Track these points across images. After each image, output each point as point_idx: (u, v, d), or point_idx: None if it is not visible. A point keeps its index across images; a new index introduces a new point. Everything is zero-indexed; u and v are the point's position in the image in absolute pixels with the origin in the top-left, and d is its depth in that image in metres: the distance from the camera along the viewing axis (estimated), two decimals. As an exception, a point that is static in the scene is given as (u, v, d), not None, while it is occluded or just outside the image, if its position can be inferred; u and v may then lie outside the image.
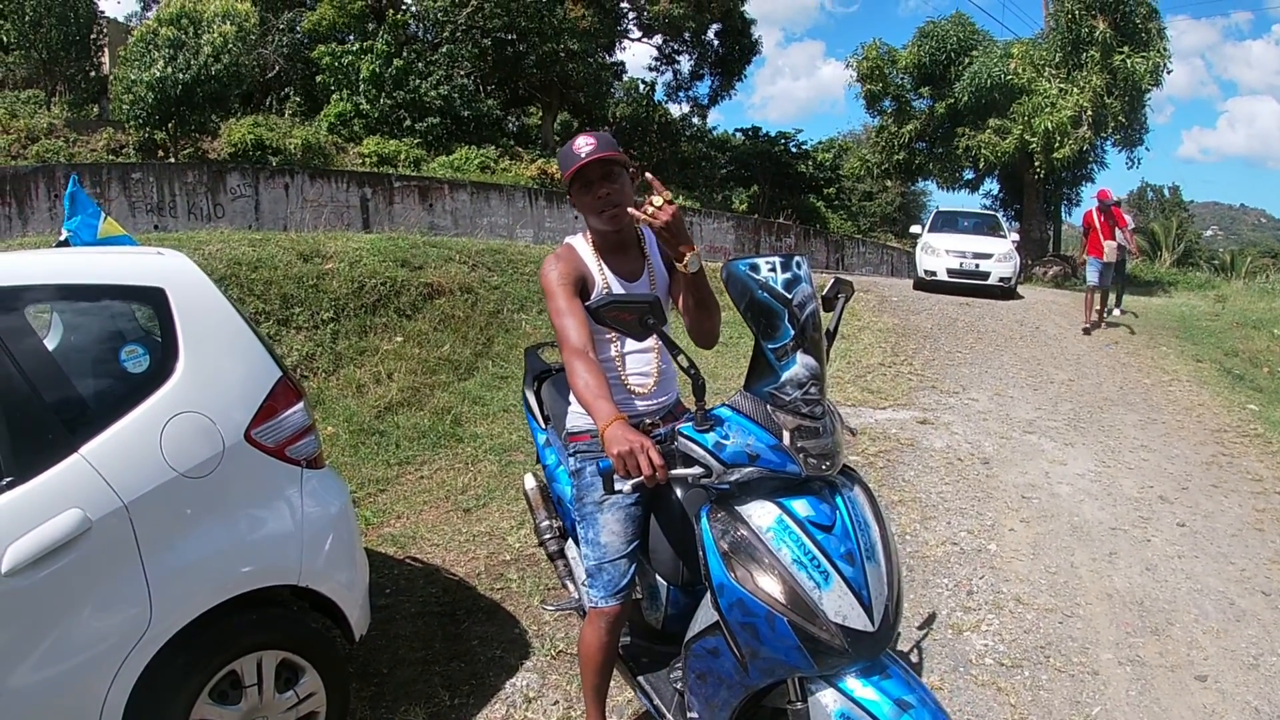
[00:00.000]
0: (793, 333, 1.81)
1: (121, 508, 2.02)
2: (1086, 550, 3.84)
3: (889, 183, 26.24)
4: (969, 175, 22.07)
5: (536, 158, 14.65)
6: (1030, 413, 6.11)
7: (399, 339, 7.11)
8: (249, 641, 2.28)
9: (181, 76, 9.81)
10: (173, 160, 10.47)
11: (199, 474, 2.18)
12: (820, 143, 28.07)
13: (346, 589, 2.53)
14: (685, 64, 23.14)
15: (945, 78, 19.98)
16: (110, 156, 10.63)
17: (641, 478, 1.72)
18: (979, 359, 8.05)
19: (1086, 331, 9.56)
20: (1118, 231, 9.58)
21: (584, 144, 2.15)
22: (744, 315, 1.84)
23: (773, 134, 25.33)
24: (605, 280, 2.26)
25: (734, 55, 22.42)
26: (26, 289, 2.14)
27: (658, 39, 22.20)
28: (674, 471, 1.81)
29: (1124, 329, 9.88)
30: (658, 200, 1.96)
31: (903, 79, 21.00)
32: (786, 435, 1.79)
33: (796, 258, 1.91)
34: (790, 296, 1.83)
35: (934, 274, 12.95)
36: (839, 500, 1.84)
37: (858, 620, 1.70)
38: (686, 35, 21.69)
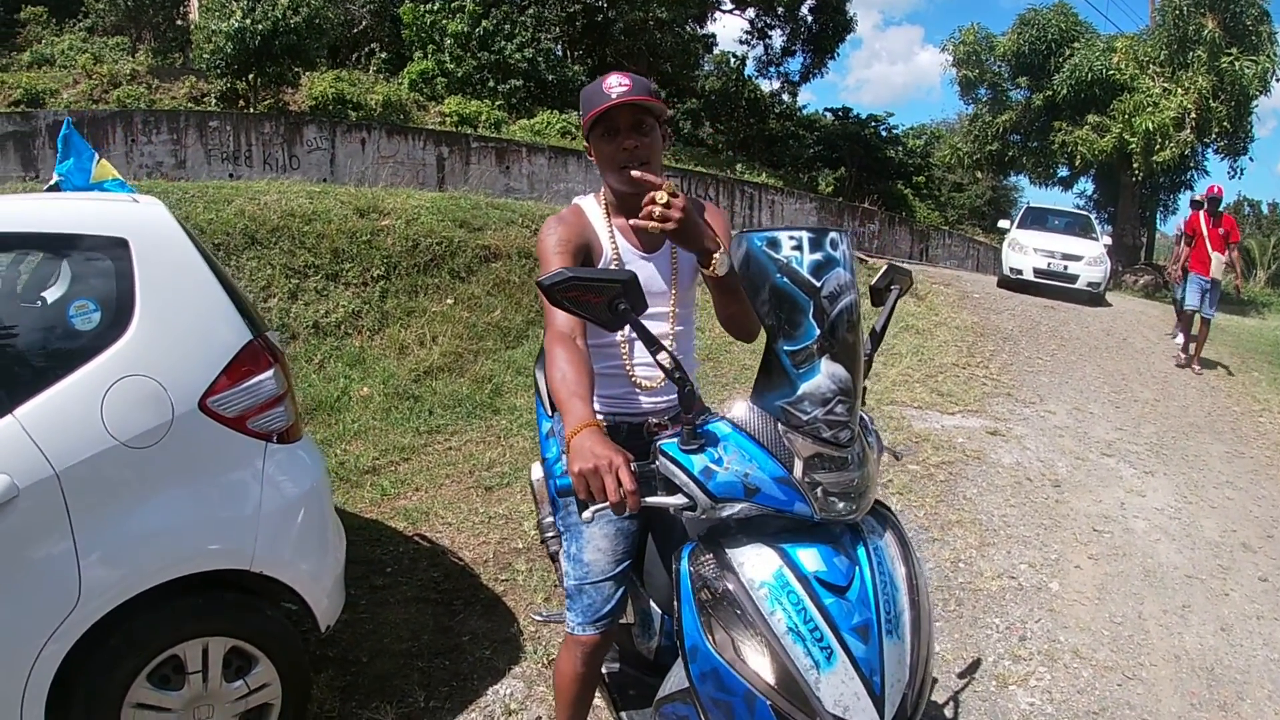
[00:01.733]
0: (818, 332, 1.40)
1: (53, 476, 1.84)
2: (1158, 600, 3.36)
3: (979, 174, 25.12)
4: (1063, 173, 20.95)
5: None
6: (1110, 433, 5.55)
7: (449, 301, 6.96)
8: (193, 627, 2.09)
9: (259, 28, 9.88)
10: (250, 110, 10.59)
11: (143, 444, 1.97)
12: (912, 128, 26.87)
13: (311, 577, 2.31)
14: (777, 39, 22.40)
15: (1044, 69, 18.84)
16: (190, 104, 10.83)
17: (606, 505, 1.34)
18: (1060, 368, 7.42)
19: (1181, 365, 7.95)
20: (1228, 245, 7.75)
21: (616, 83, 1.78)
22: (756, 307, 1.44)
23: (863, 116, 24.40)
24: (615, 250, 1.90)
25: (827, 32, 21.51)
26: None
27: (750, 12, 21.45)
28: (649, 500, 1.42)
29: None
30: (661, 196, 1.55)
31: (1000, 67, 19.98)
32: (799, 465, 1.39)
33: (833, 233, 1.47)
34: (819, 285, 1.41)
35: (1020, 272, 12.26)
36: (860, 552, 1.45)
37: (863, 714, 1.33)
38: (779, 9, 20.90)
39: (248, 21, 9.92)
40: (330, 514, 2.53)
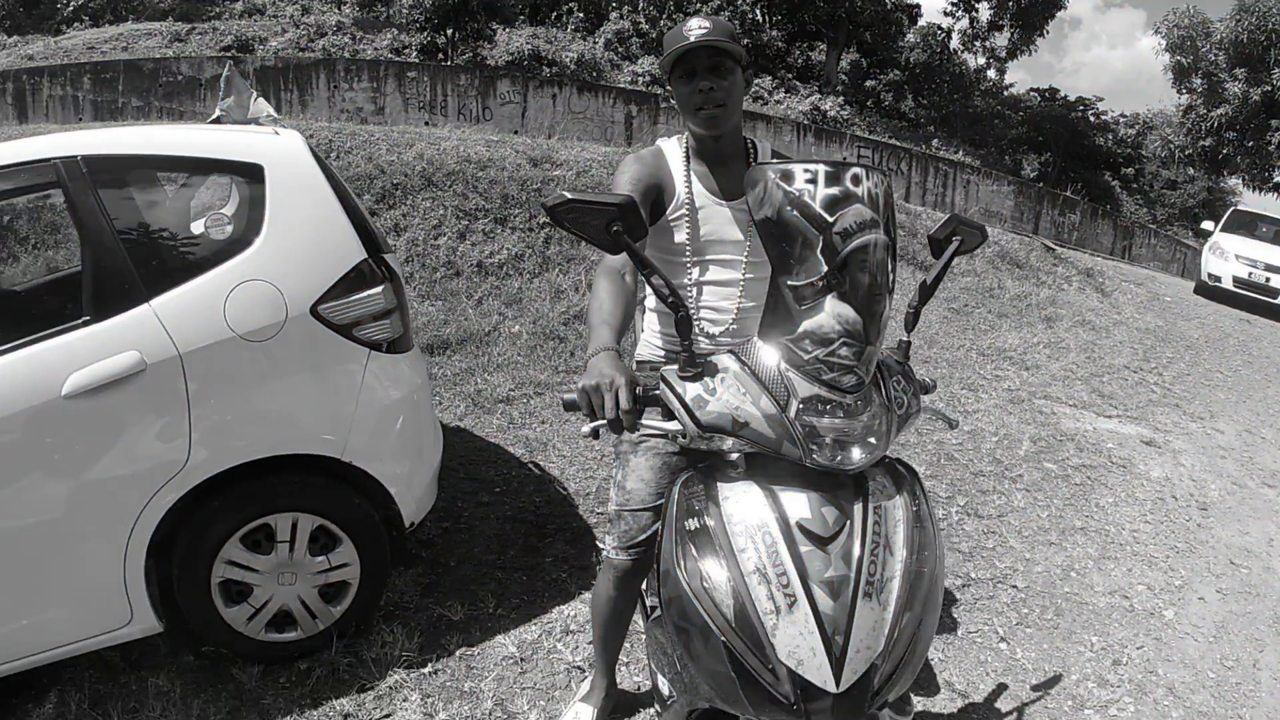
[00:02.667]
0: (824, 268, 1.33)
1: (176, 357, 2.16)
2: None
3: (1192, 171, 21.99)
4: (1280, 178, 17.99)
5: (812, 93, 13.88)
6: (1278, 463, 4.74)
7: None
8: (285, 502, 2.39)
9: None
10: (447, 63, 11.31)
11: (257, 339, 2.26)
12: (1123, 116, 23.96)
13: (398, 474, 2.55)
14: (984, 12, 20.60)
15: (1264, 61, 16.31)
16: (390, 55, 11.72)
17: (603, 421, 1.37)
18: (1240, 385, 6.46)
19: None
20: None
21: (696, 26, 1.79)
22: (764, 240, 1.40)
23: (1070, 98, 22.00)
24: (690, 193, 1.90)
25: (1036, 7, 19.50)
26: (134, 158, 2.32)
27: None
28: (648, 423, 1.43)
29: None
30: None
31: (1216, 55, 17.46)
32: (794, 406, 1.34)
33: (855, 168, 1.40)
34: (831, 220, 1.35)
35: (1218, 279, 10.93)
36: (858, 508, 1.36)
37: (816, 672, 1.25)
38: None
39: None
40: (426, 422, 2.75)
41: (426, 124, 10.68)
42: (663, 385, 1.41)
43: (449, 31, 11.17)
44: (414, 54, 11.44)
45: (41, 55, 12.51)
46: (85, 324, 2.12)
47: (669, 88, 1.92)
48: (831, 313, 1.34)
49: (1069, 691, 2.59)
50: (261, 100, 2.98)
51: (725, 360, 1.42)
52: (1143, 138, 22.57)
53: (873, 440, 1.37)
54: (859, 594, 1.28)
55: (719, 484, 1.41)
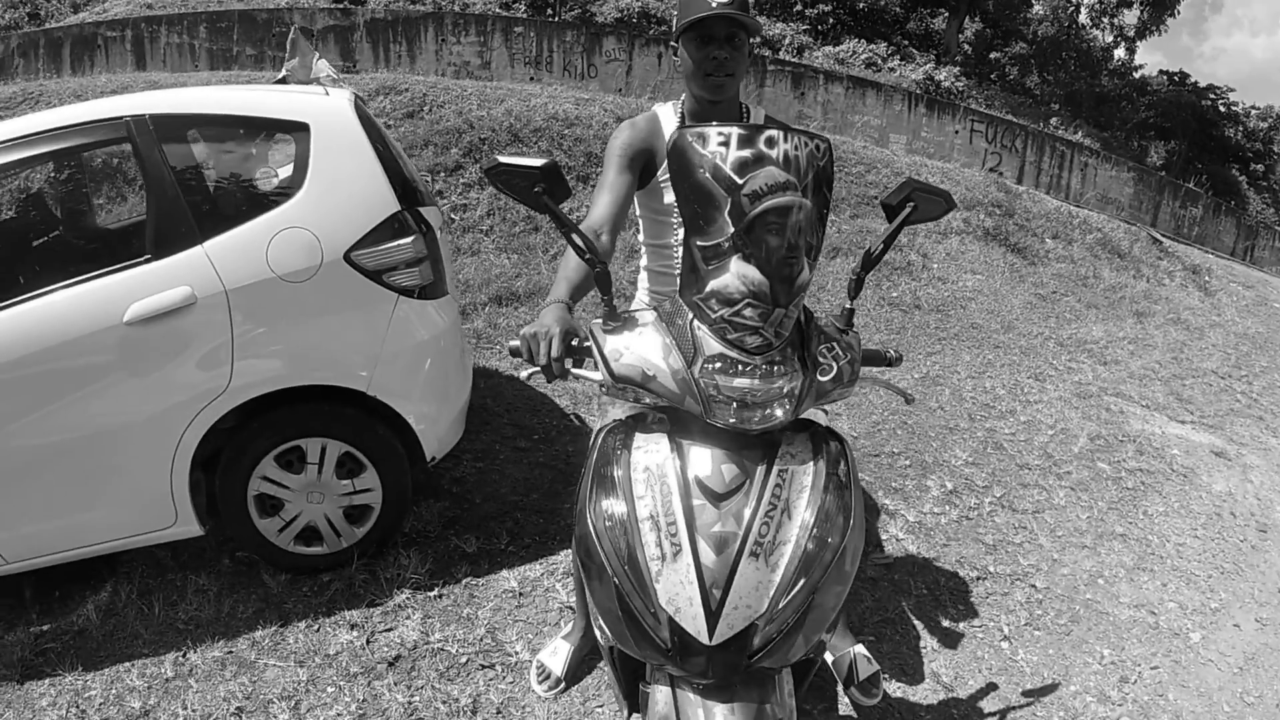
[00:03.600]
0: (731, 230, 1.36)
1: (222, 292, 2.40)
2: (1328, 695, 2.68)
3: None
4: None
5: (928, 62, 13.18)
6: None
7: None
8: (316, 427, 2.62)
9: None
10: (553, 20, 11.36)
11: (295, 279, 2.48)
12: (1255, 109, 21.31)
13: (421, 411, 2.72)
14: None
15: None
16: (499, 10, 11.84)
17: (538, 369, 1.47)
18: None
19: None
20: None
21: None
22: (679, 202, 1.41)
23: (1201, 84, 19.84)
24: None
25: None
26: (194, 116, 2.57)
27: None
28: (575, 370, 1.50)
29: None
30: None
31: None
32: (700, 363, 1.38)
33: (771, 130, 1.40)
34: (740, 182, 1.36)
35: None
36: (761, 470, 1.39)
37: (691, 621, 1.29)
38: None
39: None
40: (453, 365, 2.92)
41: (531, 79, 10.81)
42: (591, 337, 1.47)
43: (559, -14, 11.32)
44: (523, 9, 11.56)
45: (160, 4, 13.29)
46: (147, 261, 2.39)
47: (674, 45, 1.94)
48: (736, 274, 1.37)
49: (1063, 702, 2.53)
50: (323, 62, 3.19)
51: (646, 315, 1.47)
52: (1276, 132, 20.25)
53: (779, 404, 1.39)
54: (744, 552, 1.31)
55: (637, 434, 1.46)
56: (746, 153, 1.37)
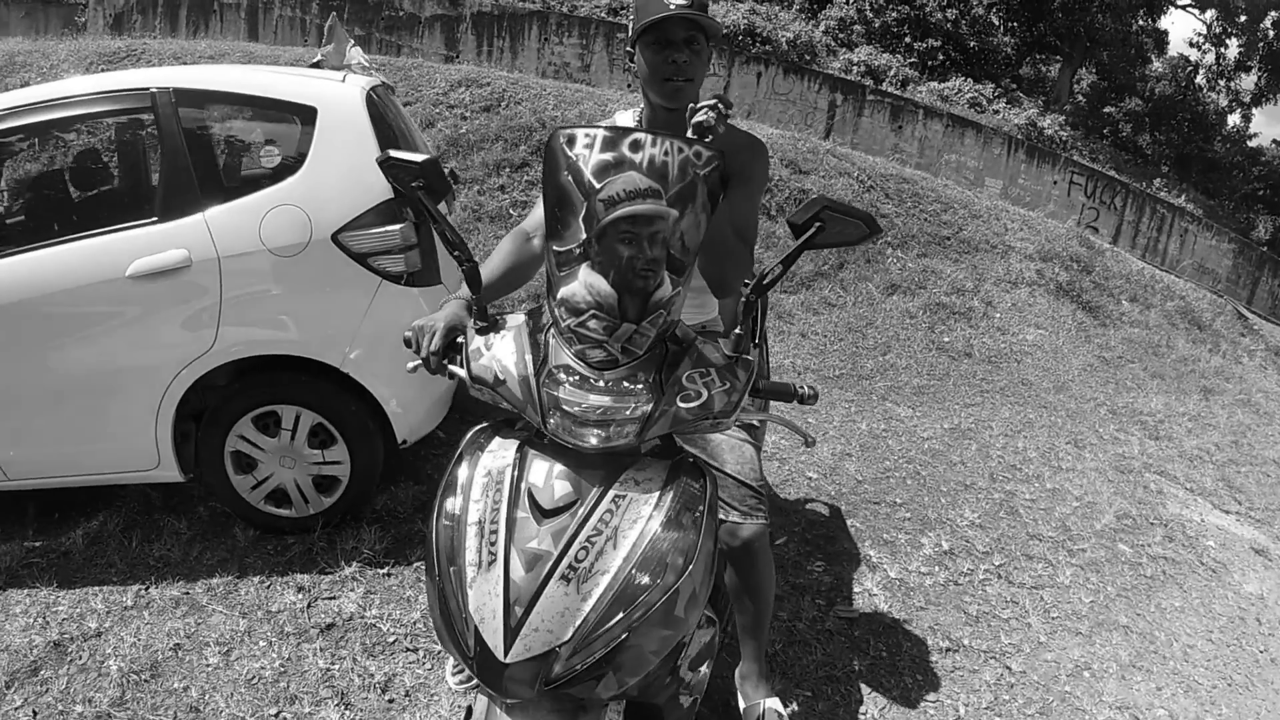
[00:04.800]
0: (583, 236, 1.32)
1: (215, 258, 2.58)
2: None
3: None
4: None
5: (1033, 108, 12.54)
6: None
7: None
8: (291, 395, 2.76)
9: None
10: None
11: (284, 254, 2.62)
12: None
13: (393, 393, 2.81)
14: (1233, 48, 17.23)
15: None
16: (608, 15, 11.93)
17: (419, 361, 1.49)
18: None
19: None
20: None
21: None
22: (544, 203, 1.40)
23: None
24: None
25: None
26: (212, 93, 2.76)
27: (1209, 13, 16.79)
28: (450, 366, 1.48)
29: None
30: (728, 99, 1.54)
31: None
32: (545, 371, 1.35)
33: (638, 134, 1.34)
34: (598, 186, 1.32)
35: None
36: (596, 492, 1.32)
37: (491, 634, 1.24)
38: (1241, 17, 16.03)
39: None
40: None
41: (629, 87, 10.91)
42: (465, 334, 1.47)
43: (668, 0, 11.35)
44: (629, 16, 11.63)
45: None
46: (153, 223, 2.59)
47: (631, 50, 1.88)
48: (584, 283, 1.33)
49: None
50: (357, 49, 3.36)
51: (515, 318, 1.46)
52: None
53: (618, 424, 1.31)
54: (554, 574, 1.25)
55: (495, 437, 1.42)
56: (608, 156, 1.33)
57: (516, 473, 1.35)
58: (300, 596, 2.67)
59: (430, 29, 11.45)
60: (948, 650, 2.82)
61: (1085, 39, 14.50)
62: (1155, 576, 3.38)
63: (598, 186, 1.32)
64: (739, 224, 1.81)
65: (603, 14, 11.58)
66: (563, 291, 1.36)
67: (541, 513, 1.30)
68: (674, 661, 1.35)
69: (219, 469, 2.83)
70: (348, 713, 2.22)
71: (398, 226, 2.73)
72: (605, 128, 1.38)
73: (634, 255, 1.31)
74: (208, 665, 2.34)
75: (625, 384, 1.33)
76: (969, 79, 12.55)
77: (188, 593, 2.65)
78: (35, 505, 3.01)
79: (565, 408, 1.32)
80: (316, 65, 3.39)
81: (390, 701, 2.29)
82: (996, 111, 11.75)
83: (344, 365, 2.74)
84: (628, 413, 1.31)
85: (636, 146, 1.34)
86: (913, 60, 12.72)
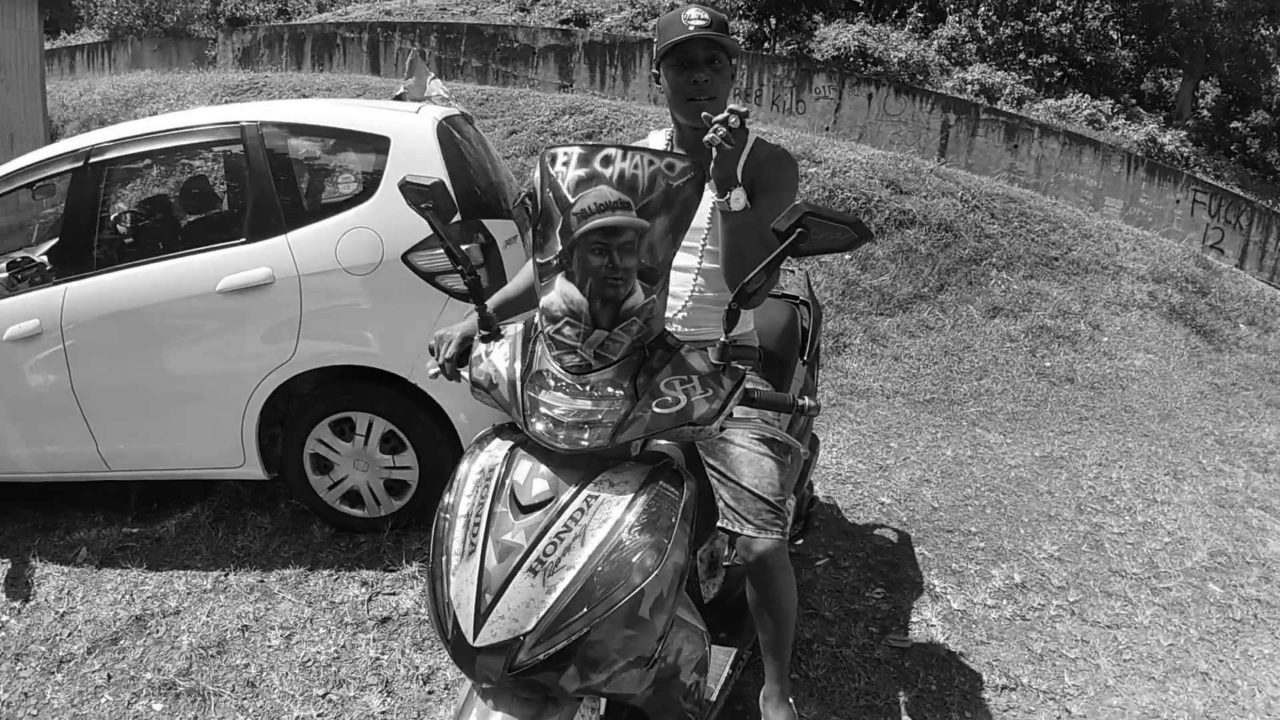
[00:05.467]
0: (559, 248, 1.40)
1: (296, 276, 2.83)
2: None
3: None
4: None
5: (1153, 123, 11.63)
6: None
7: (848, 256, 6.98)
8: (365, 403, 2.97)
9: None
10: (768, 53, 11.39)
11: (358, 273, 2.83)
12: None
13: (462, 406, 2.94)
14: None
15: None
16: None
17: (437, 368, 1.62)
18: None
19: None
20: None
21: (695, 16, 1.79)
22: (530, 220, 1.49)
23: None
24: None
25: None
26: (295, 125, 3.02)
27: None
28: (463, 371, 1.57)
29: None
30: (734, 120, 1.55)
31: None
32: (530, 375, 1.44)
33: (609, 149, 1.41)
34: (572, 201, 1.39)
35: None
36: (570, 491, 1.38)
37: (465, 620, 1.32)
38: None
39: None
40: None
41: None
42: (474, 343, 1.58)
43: (772, 21, 11.35)
44: (743, 41, 11.73)
45: (398, 11, 14.50)
46: (242, 243, 2.87)
47: (655, 72, 1.93)
48: (559, 292, 1.41)
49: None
50: (436, 82, 3.60)
51: (513, 326, 1.55)
52: None
53: (591, 427, 1.36)
54: (522, 566, 1.32)
55: (495, 438, 1.51)
56: (582, 171, 1.41)
57: (503, 470, 1.43)
58: (363, 590, 2.85)
59: (544, 59, 11.85)
60: (1003, 688, 2.67)
61: (1205, 50, 13.39)
62: (1245, 620, 3.07)
63: (572, 201, 1.39)
64: (766, 235, 1.84)
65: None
66: (543, 300, 1.44)
67: (520, 508, 1.37)
68: (647, 666, 1.37)
69: (298, 470, 3.07)
70: (389, 700, 2.36)
71: (464, 248, 2.91)
72: (582, 145, 1.45)
73: (604, 265, 1.37)
74: (269, 646, 2.55)
75: (600, 389, 1.39)
76: (1086, 95, 11.84)
77: (262, 580, 2.89)
78: (137, 494, 3.37)
79: (544, 410, 1.39)
80: (399, 98, 3.66)
81: (430, 693, 2.41)
82: (1115, 128, 11.02)
83: (412, 376, 2.92)
84: (600, 416, 1.37)
85: (608, 161, 1.41)
86: (1028, 78, 12.13)
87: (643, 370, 1.42)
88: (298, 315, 2.85)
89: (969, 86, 11.26)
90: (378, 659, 2.54)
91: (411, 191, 1.58)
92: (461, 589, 1.34)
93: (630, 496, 1.38)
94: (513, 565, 1.32)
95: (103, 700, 2.35)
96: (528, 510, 1.37)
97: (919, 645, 2.81)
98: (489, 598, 1.32)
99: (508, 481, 1.41)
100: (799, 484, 2.79)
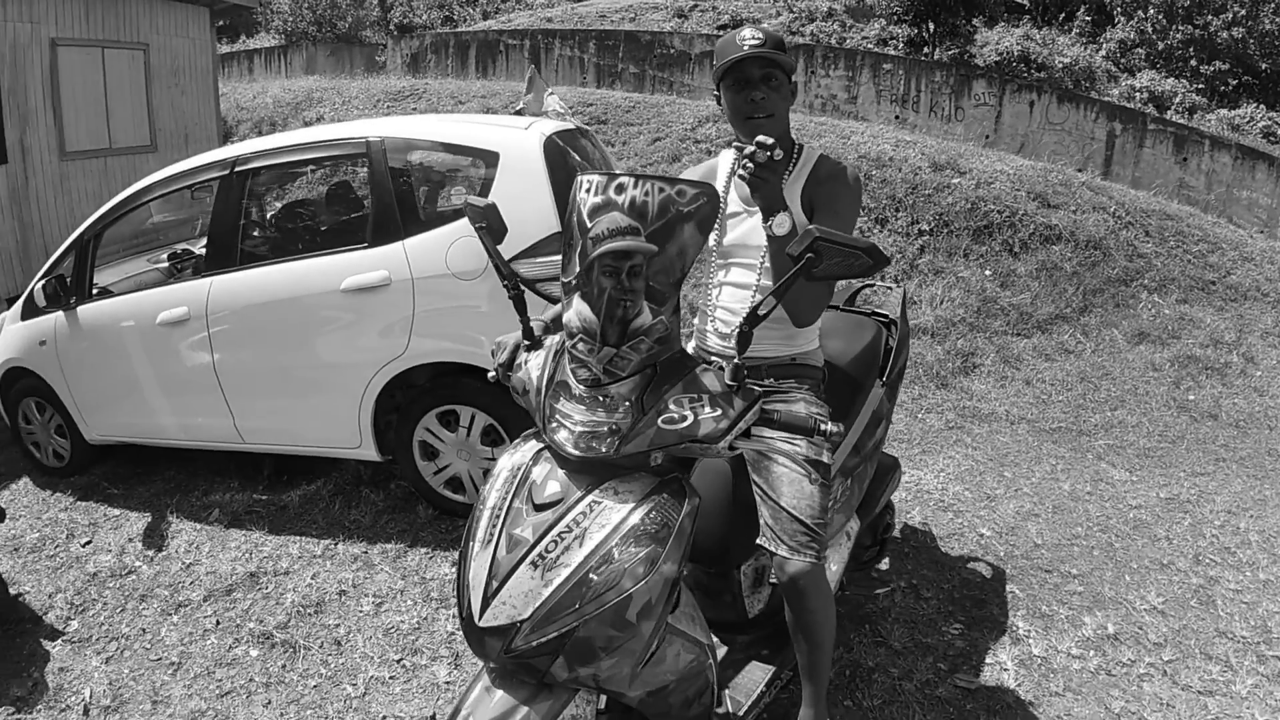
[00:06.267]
0: (578, 269, 1.50)
1: (410, 279, 3.10)
2: None
3: None
4: None
5: None
6: None
7: (987, 273, 6.63)
8: (468, 397, 3.21)
9: None
10: (926, 58, 10.81)
11: (465, 278, 3.07)
12: None
13: None
14: None
15: None
16: (876, 47, 11.44)
17: (494, 370, 1.76)
18: None
19: None
20: None
21: (749, 36, 1.84)
22: (562, 240, 1.60)
23: None
24: (725, 200, 2.03)
25: None
26: (414, 141, 3.29)
27: None
28: (513, 375, 1.72)
29: None
30: (761, 155, 1.58)
31: None
32: (552, 385, 1.56)
33: (623, 178, 1.47)
34: (590, 225, 1.47)
35: None
36: (577, 495, 1.48)
37: (476, 601, 1.45)
38: None
39: (922, -33, 9.93)
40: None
41: (896, 119, 10.54)
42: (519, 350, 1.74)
43: (930, 26, 10.82)
44: (900, 46, 11.23)
45: (559, 18, 14.88)
46: (365, 247, 3.18)
47: (716, 94, 1.99)
48: (575, 310, 1.51)
49: None
50: (554, 97, 3.77)
51: (552, 339, 1.68)
52: None
53: (597, 436, 1.47)
54: (526, 559, 1.43)
55: (531, 440, 1.64)
56: (599, 198, 1.49)
57: (528, 469, 1.56)
58: (453, 569, 3.10)
59: (700, 65, 11.84)
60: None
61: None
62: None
63: (589, 226, 1.49)
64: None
65: (871, 45, 11.34)
66: (564, 317, 1.56)
67: (534, 506, 1.50)
68: (635, 666, 1.46)
69: (408, 455, 3.37)
70: (455, 672, 2.58)
71: (559, 256, 3.08)
72: (603, 173, 1.53)
73: (614, 286, 1.46)
74: (361, 611, 2.84)
75: (610, 402, 1.48)
76: (1261, 105, 10.49)
77: (365, 551, 3.20)
78: (270, 466, 3.82)
79: (560, 418, 1.52)
80: (519, 113, 3.88)
81: (493, 670, 2.61)
82: (1293, 142, 9.70)
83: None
84: (607, 427, 1.47)
85: (621, 189, 1.48)
86: (1199, 86, 10.90)
87: (652, 386, 1.50)
88: (410, 315, 3.13)
89: (1137, 95, 10.28)
90: (453, 634, 2.76)
91: (472, 210, 1.76)
92: (477, 572, 1.48)
93: (631, 506, 1.46)
94: (518, 557, 1.44)
95: (208, 642, 2.73)
96: (541, 508, 1.49)
97: (986, 688, 2.70)
98: (495, 584, 1.45)
99: (529, 480, 1.54)
100: (870, 506, 2.74)
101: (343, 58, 15.22)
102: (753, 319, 1.50)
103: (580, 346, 1.51)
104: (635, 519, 1.45)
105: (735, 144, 2.06)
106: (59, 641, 2.83)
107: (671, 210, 1.46)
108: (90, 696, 2.57)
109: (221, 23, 16.25)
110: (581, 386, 1.52)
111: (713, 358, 2.10)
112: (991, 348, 5.87)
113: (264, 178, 3.76)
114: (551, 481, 1.51)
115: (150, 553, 3.28)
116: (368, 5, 16.14)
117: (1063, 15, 12.66)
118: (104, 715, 2.51)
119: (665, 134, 9.10)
